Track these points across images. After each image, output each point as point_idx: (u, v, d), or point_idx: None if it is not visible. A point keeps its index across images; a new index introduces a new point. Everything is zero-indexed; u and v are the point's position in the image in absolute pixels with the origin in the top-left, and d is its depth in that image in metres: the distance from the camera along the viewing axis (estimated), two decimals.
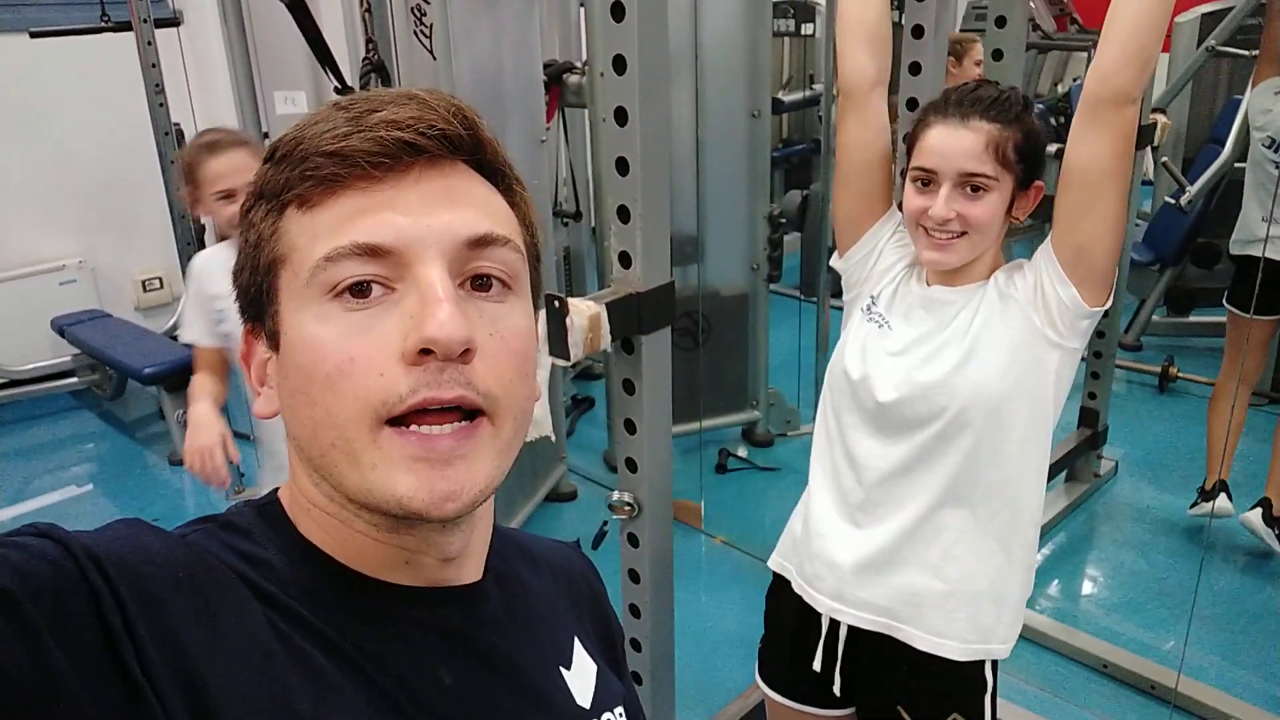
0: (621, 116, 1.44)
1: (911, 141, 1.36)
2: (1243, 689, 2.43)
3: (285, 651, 0.49)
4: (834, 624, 1.46)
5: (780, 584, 1.59)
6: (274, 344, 0.54)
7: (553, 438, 1.49)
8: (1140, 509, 3.34)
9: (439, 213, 0.52)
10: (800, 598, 1.51)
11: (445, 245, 0.52)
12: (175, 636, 0.44)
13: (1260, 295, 2.82)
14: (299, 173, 0.52)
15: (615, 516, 1.64)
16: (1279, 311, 2.94)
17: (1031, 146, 1.31)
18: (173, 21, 3.67)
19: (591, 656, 0.68)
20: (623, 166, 1.46)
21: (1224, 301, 3.05)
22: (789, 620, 1.55)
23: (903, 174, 1.41)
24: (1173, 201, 3.49)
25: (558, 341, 1.40)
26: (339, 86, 2.87)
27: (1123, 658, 2.53)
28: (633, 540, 1.68)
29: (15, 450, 4.01)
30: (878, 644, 1.44)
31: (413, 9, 2.42)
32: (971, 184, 1.29)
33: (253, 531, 0.55)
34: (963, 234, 1.31)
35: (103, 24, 3.05)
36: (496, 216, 0.55)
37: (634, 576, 1.71)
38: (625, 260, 1.50)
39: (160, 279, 4.72)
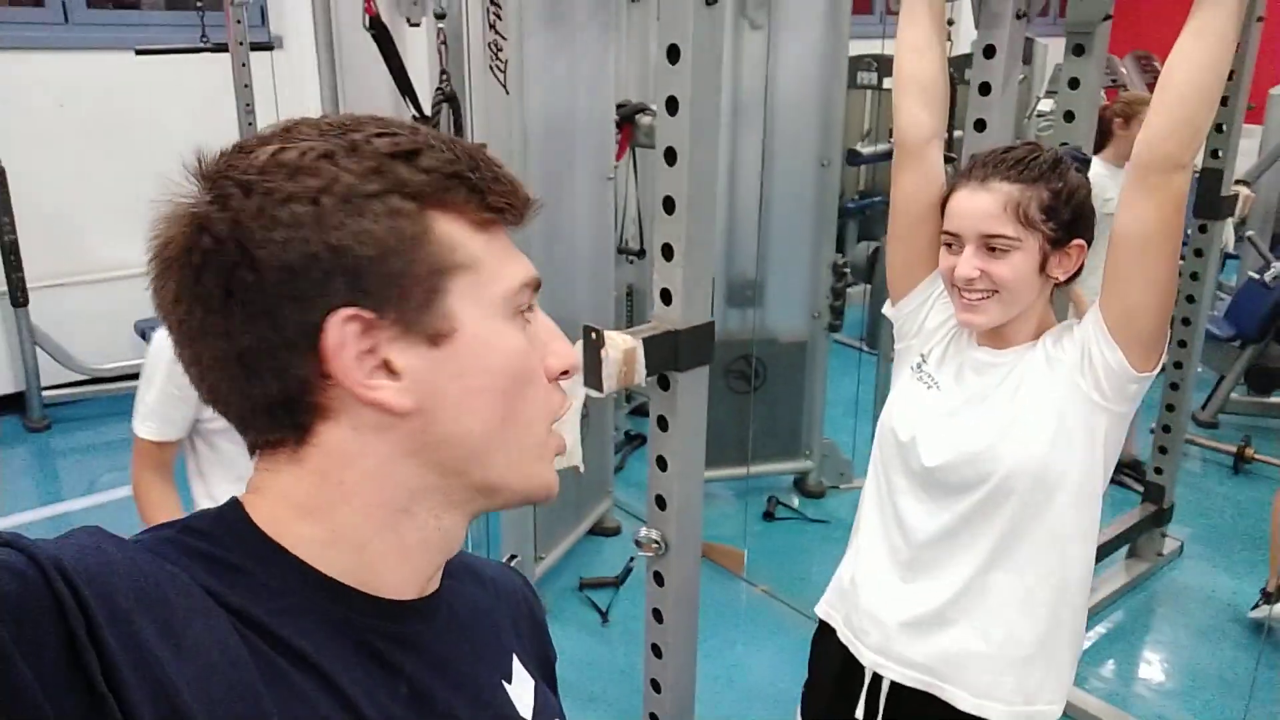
0: (671, 156, 1.46)
1: (942, 206, 1.38)
2: None
3: (252, 660, 0.49)
4: (877, 677, 1.48)
5: (826, 631, 1.59)
6: (433, 340, 0.55)
7: (581, 468, 1.50)
8: (1203, 593, 3.19)
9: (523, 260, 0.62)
10: (845, 646, 1.52)
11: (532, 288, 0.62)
12: (143, 647, 0.45)
13: None
14: (479, 196, 0.57)
15: (642, 553, 1.64)
16: None
17: (1063, 205, 1.29)
18: (268, 45, 3.84)
19: (529, 673, 0.70)
20: (669, 205, 1.48)
21: None
22: (833, 666, 1.55)
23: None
24: (1256, 277, 3.37)
25: (592, 372, 1.42)
26: (417, 115, 2.97)
27: None
28: (658, 579, 1.67)
29: (90, 445, 4.17)
30: (920, 701, 1.44)
31: (490, 44, 2.49)
32: (991, 244, 1.30)
33: (215, 536, 0.55)
34: (993, 293, 1.31)
35: (202, 44, 3.21)
36: None
37: (657, 616, 1.70)
38: (666, 297, 1.51)
39: None
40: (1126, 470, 3.53)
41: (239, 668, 0.49)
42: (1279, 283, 3.42)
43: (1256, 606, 2.91)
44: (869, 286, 5.31)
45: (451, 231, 0.55)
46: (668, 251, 1.50)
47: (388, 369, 0.54)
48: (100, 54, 4.18)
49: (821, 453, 3.73)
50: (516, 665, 0.69)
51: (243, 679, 0.48)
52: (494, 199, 0.57)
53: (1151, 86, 4.52)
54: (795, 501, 3.69)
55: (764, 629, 2.98)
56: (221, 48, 3.23)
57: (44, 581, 0.43)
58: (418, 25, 3.40)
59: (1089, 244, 1.34)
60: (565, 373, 0.61)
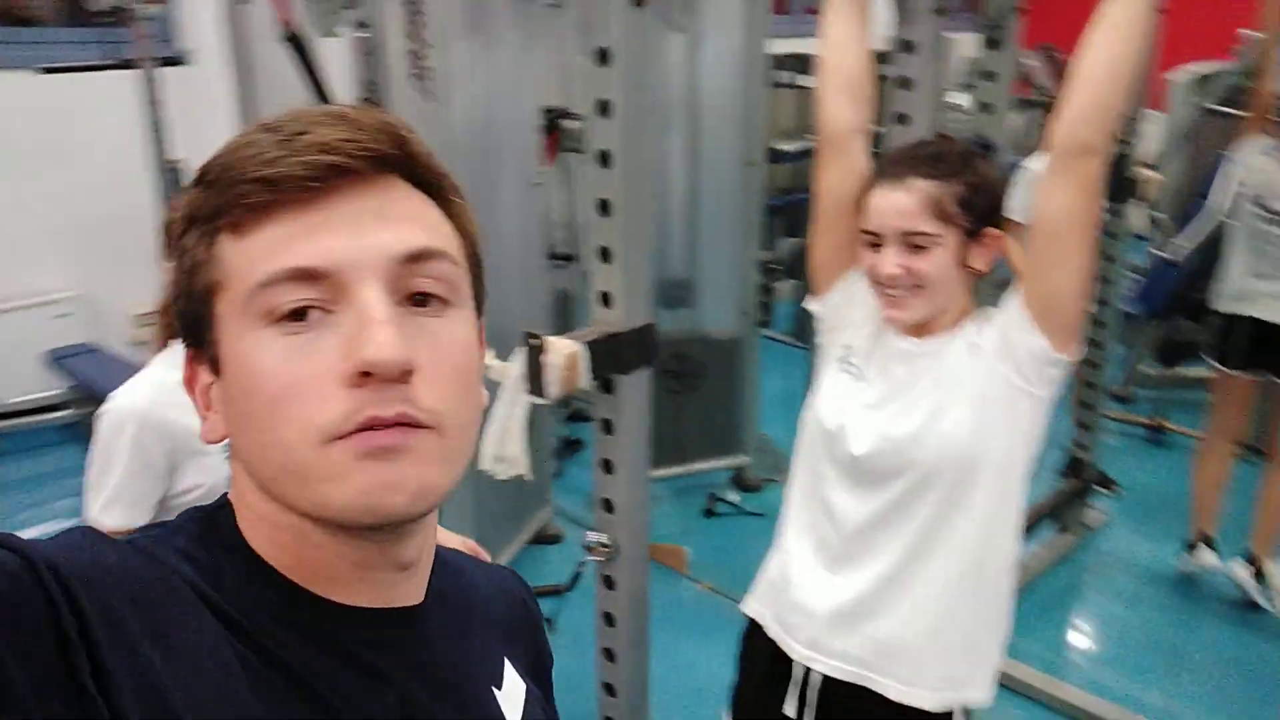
0: (604, 159, 1.46)
1: (861, 204, 1.39)
2: None
3: (241, 667, 0.49)
4: (807, 671, 1.46)
5: (755, 628, 1.58)
6: (216, 369, 0.55)
7: (527, 477, 1.49)
8: (1129, 561, 3.32)
9: (373, 232, 0.52)
10: (774, 643, 1.51)
11: (381, 264, 0.52)
12: (136, 649, 0.44)
13: (1245, 353, 2.84)
14: (230, 198, 0.52)
15: (591, 558, 1.64)
16: (1261, 369, 2.96)
17: (978, 197, 1.32)
18: (178, 60, 3.73)
19: (521, 677, 0.69)
20: (605, 208, 1.48)
21: (1207, 358, 3.07)
22: (762, 664, 1.54)
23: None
24: (1160, 255, 3.51)
25: (535, 379, 1.41)
26: None
27: (1109, 710, 2.50)
28: (608, 583, 1.67)
29: (1, 483, 3.99)
30: (851, 693, 1.43)
31: (409, 53, 2.46)
32: (912, 242, 1.31)
33: (204, 540, 0.55)
34: (916, 288, 1.32)
35: (108, 61, 3.10)
36: (432, 229, 0.55)
37: (609, 620, 1.70)
38: (606, 300, 1.51)
39: (155, 314, 4.74)
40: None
41: (228, 672, 0.48)
42: (1184, 260, 3.56)
43: (1180, 558, 3.08)
44: (796, 282, 5.41)
45: (221, 246, 0.53)
46: (605, 254, 1.50)
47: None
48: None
49: (757, 447, 3.77)
50: (508, 669, 0.68)
51: (231, 684, 0.48)
52: (240, 192, 0.51)
53: (1057, 78, 4.67)
54: (735, 496, 3.72)
55: (709, 626, 3.00)
56: (130, 64, 3.13)
57: (36, 581, 0.42)
58: (336, 36, 3.35)
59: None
60: (366, 374, 0.50)
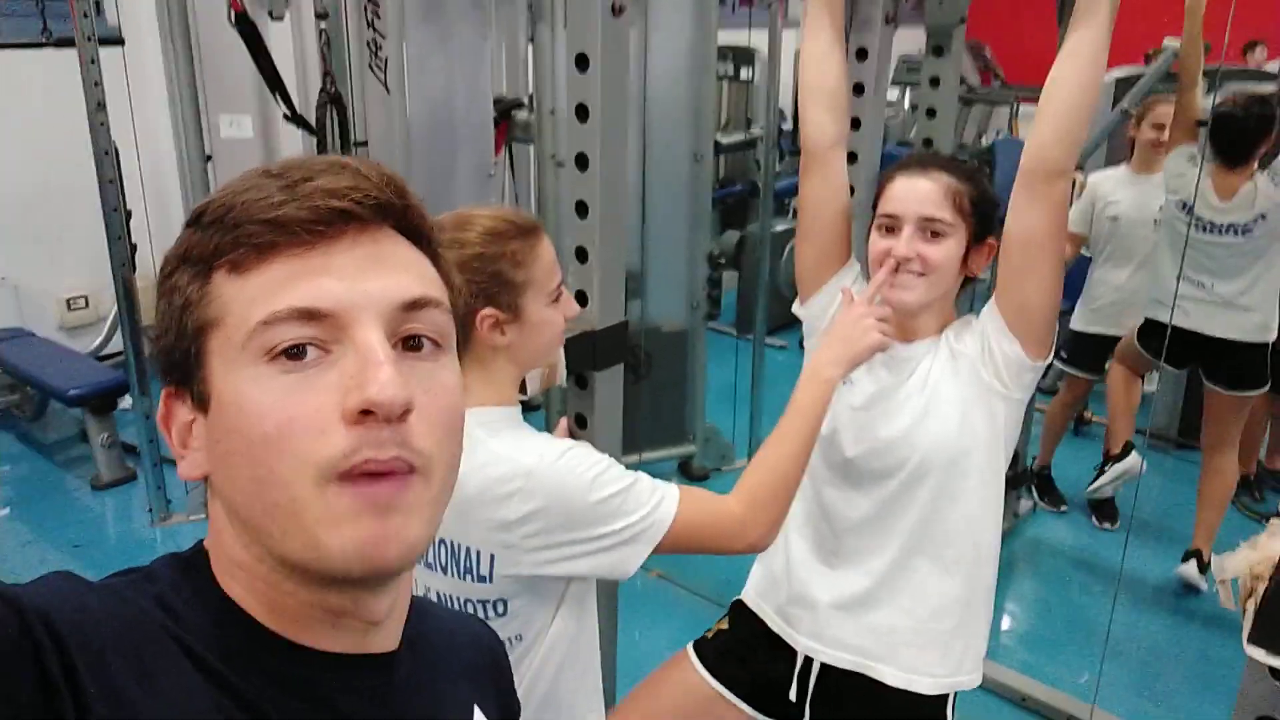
0: (583, 162, 1.49)
1: (877, 195, 1.46)
2: None
3: (217, 713, 0.50)
4: (808, 660, 1.54)
5: (752, 617, 1.63)
6: (203, 406, 0.55)
7: None
8: (1057, 547, 3.49)
9: (374, 277, 0.54)
10: (769, 630, 1.59)
11: (382, 309, 0.54)
12: (120, 691, 0.45)
13: (1169, 356, 3.04)
14: (231, 239, 0.53)
15: None
16: (1183, 367, 3.20)
17: (985, 204, 1.41)
18: (116, 40, 3.62)
19: None
20: (583, 210, 1.52)
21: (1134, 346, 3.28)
22: (762, 654, 1.60)
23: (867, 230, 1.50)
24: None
25: None
26: (288, 114, 2.88)
27: (1041, 691, 2.63)
28: None
29: None
30: (850, 680, 1.50)
31: (368, 43, 2.45)
32: (931, 229, 1.39)
33: (179, 587, 0.55)
34: (921, 275, 1.40)
35: (44, 40, 3.00)
36: (427, 280, 0.57)
37: None
38: (582, 299, 1.55)
39: (86, 298, 4.60)
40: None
41: (206, 718, 0.50)
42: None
43: (1103, 469, 3.30)
44: (739, 274, 5.49)
45: (217, 285, 0.54)
46: (582, 254, 1.54)
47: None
48: None
49: (704, 437, 3.85)
50: (478, 716, 0.70)
51: None
52: (244, 235, 0.53)
53: (984, 74, 4.81)
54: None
55: (661, 614, 3.06)
56: (67, 42, 3.03)
57: (21, 626, 0.43)
58: (281, 19, 3.29)
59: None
60: (366, 412, 0.51)
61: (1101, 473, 3.32)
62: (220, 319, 0.53)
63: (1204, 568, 3.03)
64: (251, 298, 0.52)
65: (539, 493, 1.11)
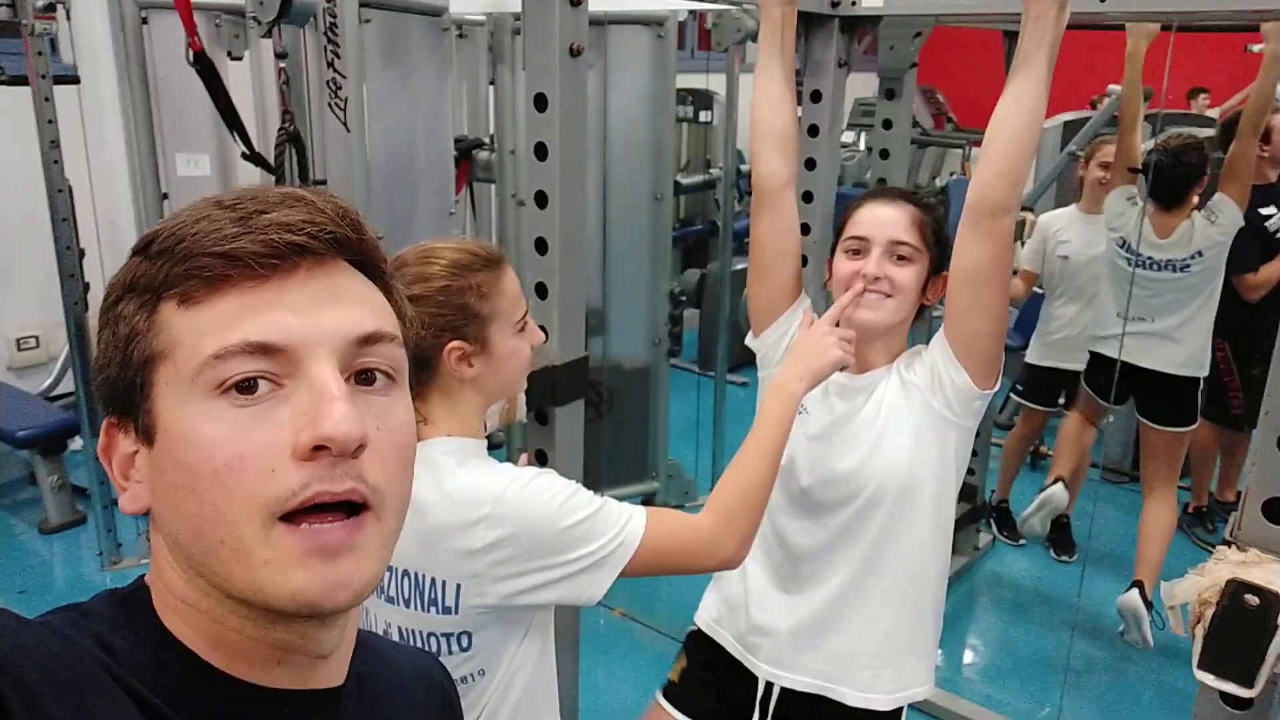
0: (542, 200, 1.51)
1: (842, 223, 1.52)
2: None
3: None
4: (769, 685, 1.57)
5: (701, 638, 1.66)
6: (147, 439, 0.54)
7: None
8: (1016, 580, 3.52)
9: (328, 311, 0.54)
10: (726, 653, 1.61)
11: (336, 343, 0.53)
12: None
13: (1112, 391, 3.08)
14: (182, 270, 0.52)
15: None
16: (1123, 402, 3.24)
17: (944, 237, 1.47)
18: (71, 79, 3.60)
19: None
20: (542, 246, 1.53)
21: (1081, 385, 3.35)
22: (716, 663, 1.63)
23: (830, 251, 1.55)
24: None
25: None
26: (246, 153, 2.87)
27: None
28: None
29: None
30: (809, 703, 1.55)
31: (328, 82, 2.46)
32: (899, 252, 1.45)
33: (118, 624, 0.54)
34: (887, 296, 1.45)
35: None
36: (380, 314, 0.57)
37: None
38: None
39: (36, 338, 4.52)
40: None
41: None
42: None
43: (1039, 494, 3.30)
44: (700, 311, 5.53)
45: (165, 316, 0.53)
46: (542, 291, 1.54)
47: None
48: None
49: (667, 473, 3.85)
50: None
51: None
52: (196, 267, 0.52)
53: (937, 118, 4.94)
54: None
55: (622, 651, 3.04)
56: (20, 80, 3.01)
57: None
58: (240, 59, 3.30)
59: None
60: (320, 448, 0.51)
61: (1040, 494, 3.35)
62: (168, 351, 0.52)
63: (1148, 602, 2.99)
64: (203, 330, 0.52)
65: (508, 519, 1.11)
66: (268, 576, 0.51)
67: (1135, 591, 3.00)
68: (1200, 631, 0.93)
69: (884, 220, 1.46)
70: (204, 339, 0.51)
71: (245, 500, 0.50)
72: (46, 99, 3.01)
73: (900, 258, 1.45)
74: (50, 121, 3.02)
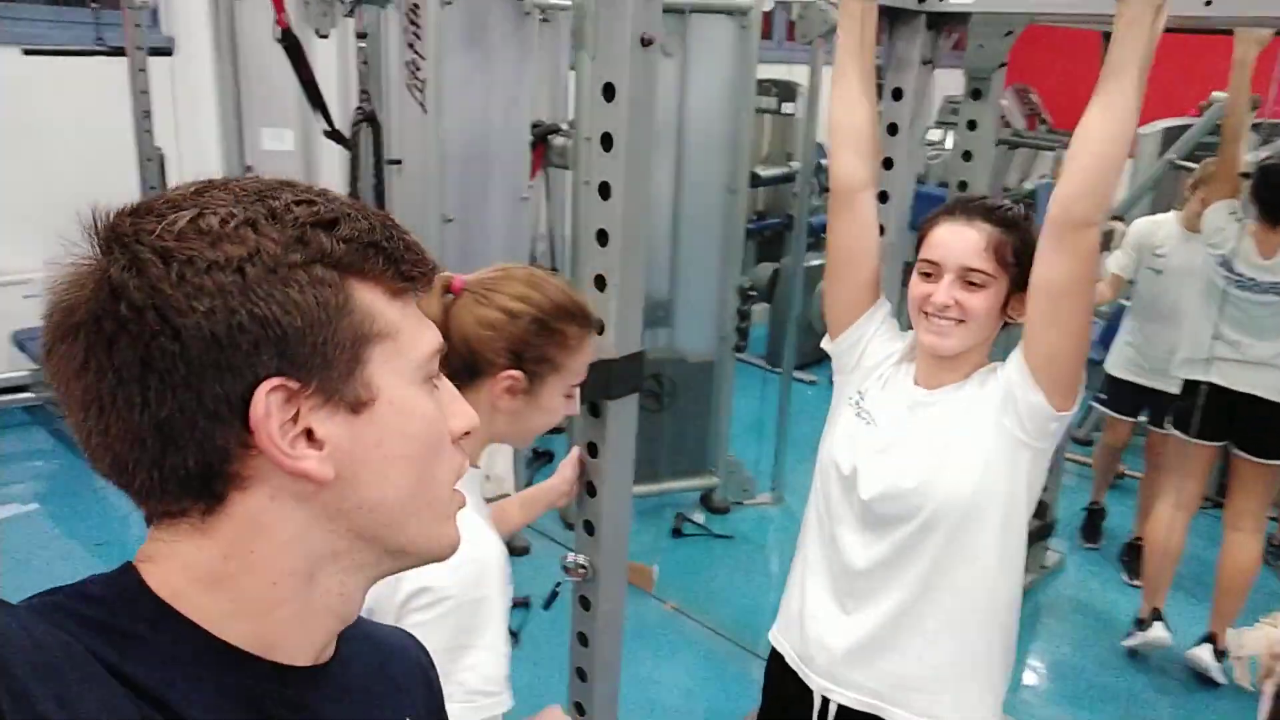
0: (605, 191, 1.49)
1: (920, 237, 1.46)
2: None
3: None
4: (825, 700, 1.55)
5: (777, 657, 1.66)
6: (353, 409, 0.56)
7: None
8: (1082, 603, 3.40)
9: (430, 328, 0.63)
10: (795, 672, 1.60)
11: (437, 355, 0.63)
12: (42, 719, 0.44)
13: (1209, 421, 2.84)
14: (391, 264, 0.58)
15: (569, 578, 1.66)
16: (1222, 439, 2.95)
17: (1028, 253, 1.38)
18: (165, 50, 3.71)
19: None
20: (603, 238, 1.51)
21: (1166, 424, 3.09)
22: (787, 690, 1.62)
23: (907, 267, 1.50)
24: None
25: None
26: (328, 130, 2.92)
27: None
28: (584, 603, 1.69)
29: None
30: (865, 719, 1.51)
31: (408, 63, 2.48)
32: (970, 279, 1.38)
33: (108, 603, 0.54)
34: (960, 322, 1.39)
35: (97, 47, 3.08)
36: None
37: (583, 640, 1.72)
38: (599, 328, 1.54)
39: None
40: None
41: None
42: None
43: (1130, 635, 3.04)
44: (770, 306, 5.47)
45: (371, 300, 0.56)
46: (600, 283, 1.53)
47: (309, 438, 0.54)
48: None
49: (727, 469, 3.81)
50: None
51: None
52: (407, 267, 0.58)
53: (1030, 118, 4.77)
54: (701, 517, 3.75)
55: (673, 646, 3.02)
56: (118, 51, 3.11)
57: None
58: (326, 37, 3.35)
59: None
60: (467, 433, 0.63)
61: (1132, 632, 3.07)
62: (390, 335, 0.57)
63: (1220, 654, 2.84)
64: (415, 326, 0.60)
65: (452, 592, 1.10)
66: (449, 531, 0.62)
67: (1208, 648, 2.85)
68: (1270, 687, 0.87)
69: (956, 244, 1.39)
70: (421, 334, 0.60)
71: (449, 469, 0.62)
72: (141, 70, 3.10)
73: (972, 284, 1.38)
74: (143, 91, 3.11)
